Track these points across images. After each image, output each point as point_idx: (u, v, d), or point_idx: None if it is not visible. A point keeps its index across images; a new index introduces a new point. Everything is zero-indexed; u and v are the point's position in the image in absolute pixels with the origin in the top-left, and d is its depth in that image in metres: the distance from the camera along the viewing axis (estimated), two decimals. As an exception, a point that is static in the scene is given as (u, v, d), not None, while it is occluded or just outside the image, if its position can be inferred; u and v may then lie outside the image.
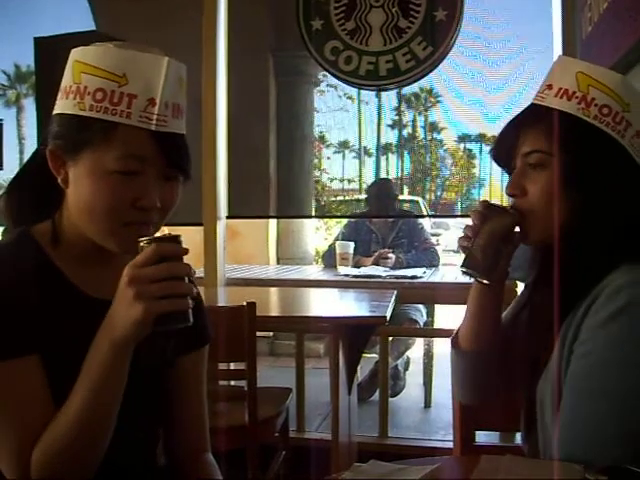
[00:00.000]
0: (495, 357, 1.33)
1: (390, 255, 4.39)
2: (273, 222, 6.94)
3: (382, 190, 4.72)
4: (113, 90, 1.05)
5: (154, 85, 1.06)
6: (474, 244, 1.24)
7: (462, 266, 1.26)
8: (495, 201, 1.27)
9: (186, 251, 1.01)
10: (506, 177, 1.29)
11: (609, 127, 1.17)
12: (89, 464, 1.04)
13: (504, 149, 1.28)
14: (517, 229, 1.24)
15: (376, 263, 4.38)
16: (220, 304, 3.11)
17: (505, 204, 1.28)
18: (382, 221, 4.72)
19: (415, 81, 3.53)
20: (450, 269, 4.68)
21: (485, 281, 1.27)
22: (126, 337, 1.00)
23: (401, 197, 9.27)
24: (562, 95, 1.20)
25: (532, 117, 1.24)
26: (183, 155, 1.14)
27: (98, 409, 1.03)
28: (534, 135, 1.21)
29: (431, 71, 3.47)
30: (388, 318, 2.55)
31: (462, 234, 1.29)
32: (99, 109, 1.05)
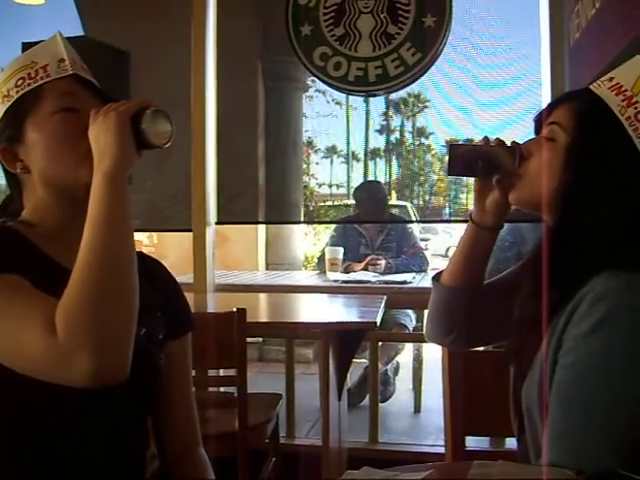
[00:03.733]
0: (471, 298, 1.40)
1: (380, 261, 4.40)
2: (262, 228, 6.93)
3: (371, 193, 4.72)
4: (29, 72, 1.18)
5: (58, 51, 1.20)
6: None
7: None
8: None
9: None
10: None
11: (636, 132, 1.17)
12: (116, 318, 0.98)
13: (540, 117, 1.29)
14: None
15: (365, 269, 4.39)
16: (210, 310, 3.11)
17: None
18: (371, 225, 4.72)
19: (404, 87, 3.54)
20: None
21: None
22: (115, 160, 1.04)
23: (390, 202, 9.29)
24: (614, 88, 1.20)
25: (574, 95, 1.27)
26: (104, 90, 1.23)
27: (107, 250, 1.00)
28: (564, 109, 1.23)
29: (420, 77, 3.48)
30: (378, 323, 2.55)
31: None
32: (23, 87, 1.17)
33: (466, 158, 1.31)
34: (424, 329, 1.55)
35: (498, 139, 1.32)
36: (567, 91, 1.33)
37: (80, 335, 0.93)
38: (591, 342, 1.03)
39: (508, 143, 1.31)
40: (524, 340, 1.21)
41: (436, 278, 1.48)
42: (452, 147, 1.32)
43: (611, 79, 1.22)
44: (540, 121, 1.29)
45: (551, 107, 1.27)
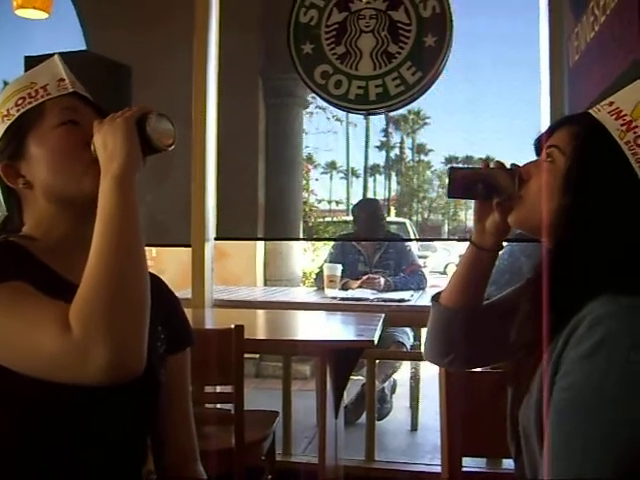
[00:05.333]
0: (470, 319, 1.40)
1: (377, 279, 4.40)
2: (261, 244, 6.94)
3: (369, 210, 4.74)
4: (29, 92, 1.21)
5: (57, 72, 1.24)
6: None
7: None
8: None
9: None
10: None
11: (634, 157, 1.16)
12: (130, 313, 0.99)
13: (541, 140, 1.29)
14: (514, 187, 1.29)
15: (364, 286, 4.38)
16: (207, 326, 3.10)
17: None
18: (369, 242, 4.73)
19: (404, 106, 3.55)
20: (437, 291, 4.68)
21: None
22: (123, 163, 1.06)
23: (388, 219, 9.31)
24: (614, 113, 1.20)
25: (573, 119, 1.27)
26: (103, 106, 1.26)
27: (118, 248, 1.02)
28: (562, 133, 1.24)
29: (420, 96, 3.49)
30: (375, 341, 2.55)
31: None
32: (24, 106, 1.20)
33: (466, 181, 1.31)
34: (422, 349, 1.54)
35: (498, 162, 1.32)
36: (567, 115, 1.33)
37: (96, 330, 0.94)
38: (589, 364, 1.02)
39: (508, 165, 1.31)
40: (522, 362, 1.21)
41: (435, 298, 1.49)
42: (452, 170, 1.33)
43: (611, 103, 1.21)
44: (540, 144, 1.29)
45: (551, 130, 1.27)
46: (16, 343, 0.99)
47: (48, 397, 1.06)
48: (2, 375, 1.02)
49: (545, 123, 3.33)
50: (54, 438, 1.10)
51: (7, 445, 1.10)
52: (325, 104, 3.79)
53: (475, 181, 1.31)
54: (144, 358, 1.00)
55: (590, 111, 1.23)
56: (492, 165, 1.33)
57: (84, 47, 4.93)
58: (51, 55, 1.30)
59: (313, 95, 3.96)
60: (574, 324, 1.07)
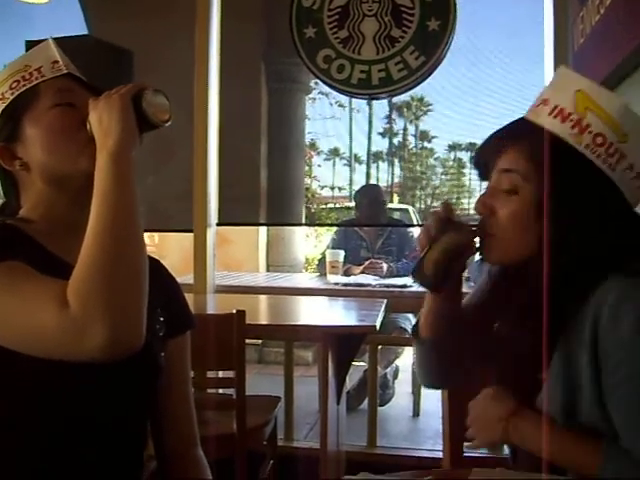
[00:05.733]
0: (452, 344, 1.35)
1: (378, 265, 4.39)
2: (263, 229, 6.93)
3: (370, 196, 4.72)
4: (23, 75, 1.20)
5: (51, 54, 1.24)
6: (427, 255, 1.18)
7: (412, 274, 1.22)
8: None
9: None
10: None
11: (600, 159, 1.11)
12: (128, 289, 0.99)
13: (485, 159, 1.23)
14: (477, 242, 1.21)
15: (365, 272, 4.38)
16: (209, 311, 3.10)
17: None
18: (371, 227, 4.72)
19: (407, 90, 3.54)
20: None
21: (435, 292, 1.27)
22: (119, 139, 1.06)
23: (391, 205, 9.29)
24: (557, 114, 1.12)
25: (519, 132, 1.18)
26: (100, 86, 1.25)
27: (115, 223, 1.02)
28: (516, 152, 1.15)
29: (423, 80, 3.48)
30: (378, 327, 2.55)
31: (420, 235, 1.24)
32: (18, 88, 1.20)
33: (439, 268, 1.19)
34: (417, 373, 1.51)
35: (447, 219, 1.21)
36: (505, 127, 1.21)
37: (93, 306, 0.94)
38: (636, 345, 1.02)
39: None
40: (520, 369, 1.19)
41: (414, 330, 1.42)
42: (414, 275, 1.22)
43: (545, 102, 1.14)
44: (483, 163, 1.23)
45: (495, 149, 1.20)
46: (14, 321, 0.99)
47: (47, 377, 1.06)
48: (0, 355, 1.01)
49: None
50: (53, 419, 1.10)
51: (6, 427, 1.09)
52: (328, 89, 3.78)
53: (447, 270, 1.20)
54: (142, 335, 1.00)
55: (528, 117, 1.17)
56: (431, 223, 1.22)
57: (86, 32, 4.91)
58: (55, 40, 1.29)
59: (316, 81, 3.94)
60: (595, 309, 1.06)
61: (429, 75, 3.47)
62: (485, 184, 1.25)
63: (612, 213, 1.12)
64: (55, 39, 1.29)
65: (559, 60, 3.20)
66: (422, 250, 1.19)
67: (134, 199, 1.05)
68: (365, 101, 4.59)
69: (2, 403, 1.09)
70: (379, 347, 3.83)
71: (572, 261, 1.11)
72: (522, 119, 1.19)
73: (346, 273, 4.37)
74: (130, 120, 1.08)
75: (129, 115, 1.08)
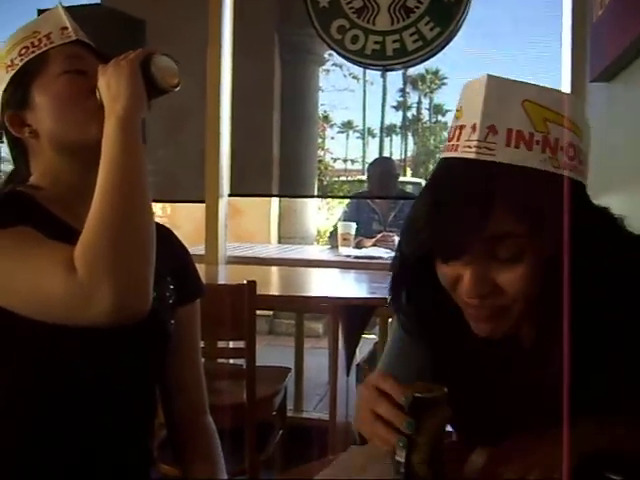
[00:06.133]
0: None
1: (391, 238, 4.37)
2: (275, 201, 6.92)
3: (383, 169, 4.70)
4: (32, 41, 1.19)
5: (60, 21, 1.23)
6: (412, 457, 0.88)
7: None
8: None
9: None
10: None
11: (582, 175, 0.94)
12: (135, 252, 1.00)
13: (457, 241, 0.92)
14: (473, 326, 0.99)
15: (376, 245, 4.37)
16: (221, 282, 3.11)
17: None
18: (383, 200, 4.70)
19: (422, 62, 3.50)
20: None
21: None
22: (127, 104, 1.06)
23: (404, 179, 9.26)
24: (517, 142, 0.89)
25: (485, 185, 0.89)
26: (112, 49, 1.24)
27: (122, 187, 1.02)
28: (499, 213, 0.89)
29: (438, 52, 3.44)
30: (389, 300, 2.54)
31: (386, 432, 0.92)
32: (27, 55, 1.19)
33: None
34: None
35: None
36: (462, 194, 0.91)
37: (100, 270, 0.95)
38: None
39: None
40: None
41: None
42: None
43: (493, 129, 0.90)
44: (455, 246, 0.93)
45: (471, 223, 0.89)
46: (22, 286, 0.99)
47: (56, 342, 1.06)
48: (10, 320, 1.02)
49: (566, 81, 3.27)
50: (62, 385, 1.11)
51: (14, 393, 1.10)
52: (342, 61, 3.75)
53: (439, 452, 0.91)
54: (149, 300, 1.01)
55: (479, 158, 0.90)
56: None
57: (98, 1, 4.88)
58: (67, 8, 1.28)
59: (330, 52, 3.91)
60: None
61: (444, 46, 3.43)
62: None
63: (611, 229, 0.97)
64: (67, 7, 1.28)
65: (578, 31, 3.16)
66: (394, 451, 0.90)
67: (142, 165, 1.05)
68: (379, 73, 4.57)
69: (9, 369, 1.10)
70: (389, 320, 3.83)
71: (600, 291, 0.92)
72: (476, 165, 0.90)
73: (358, 246, 4.36)
74: (138, 85, 1.08)
75: (137, 80, 1.08)
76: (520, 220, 0.89)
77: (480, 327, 0.98)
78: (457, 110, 0.98)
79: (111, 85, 1.08)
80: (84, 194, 1.10)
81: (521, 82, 0.94)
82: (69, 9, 1.28)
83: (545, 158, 0.89)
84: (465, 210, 0.89)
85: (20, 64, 1.19)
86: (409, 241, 1.01)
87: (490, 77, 0.92)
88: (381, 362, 1.27)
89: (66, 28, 1.22)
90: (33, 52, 1.19)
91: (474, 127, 0.92)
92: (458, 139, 0.94)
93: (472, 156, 0.91)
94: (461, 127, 0.95)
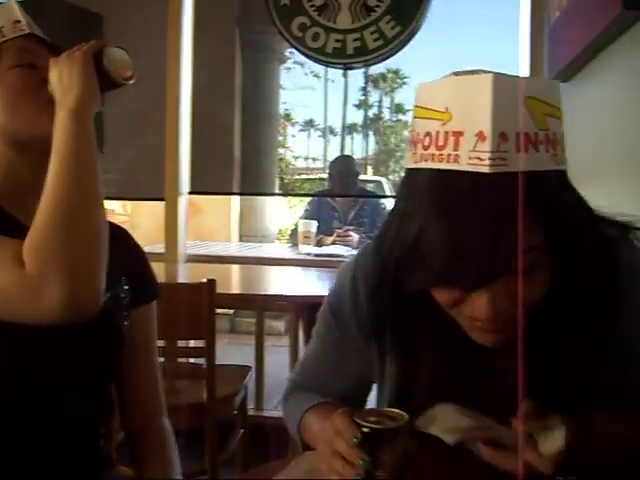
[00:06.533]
0: None
1: (351, 234, 4.38)
2: (236, 199, 6.90)
3: (343, 167, 4.72)
4: None
5: (13, 14, 1.19)
6: None
7: None
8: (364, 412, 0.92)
9: None
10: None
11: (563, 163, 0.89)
12: (86, 247, 0.97)
13: (501, 260, 0.82)
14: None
15: (338, 241, 4.37)
16: (180, 281, 3.08)
17: None
18: (344, 199, 4.72)
19: (382, 60, 3.51)
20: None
21: None
22: (79, 96, 1.04)
23: (364, 177, 9.30)
24: (526, 146, 0.81)
25: (510, 200, 0.71)
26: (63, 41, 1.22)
27: (73, 180, 1.00)
28: (530, 226, 0.81)
29: (399, 51, 3.46)
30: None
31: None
32: None
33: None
34: None
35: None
36: (501, 203, 0.77)
37: (49, 264, 0.93)
38: None
39: None
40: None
41: None
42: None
43: (504, 137, 0.80)
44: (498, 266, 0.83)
45: (510, 239, 0.74)
46: None
47: (7, 340, 1.04)
48: None
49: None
50: (11, 384, 1.09)
51: None
52: (303, 59, 3.74)
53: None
54: (100, 296, 0.99)
55: (491, 170, 0.80)
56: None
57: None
58: (25, 1, 1.26)
59: (291, 50, 3.90)
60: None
61: (405, 45, 3.45)
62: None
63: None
64: (24, 1, 1.26)
65: (535, 32, 3.20)
66: None
67: (93, 158, 1.03)
68: (341, 72, 4.59)
69: None
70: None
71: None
72: (495, 182, 0.80)
73: (318, 244, 4.36)
74: (91, 77, 1.06)
75: (90, 72, 1.06)
76: (545, 229, 0.84)
77: (486, 338, 0.93)
78: (435, 111, 0.86)
79: (63, 77, 1.06)
80: (37, 189, 1.07)
81: (522, 77, 0.89)
82: (25, 3, 1.26)
83: (550, 157, 0.85)
84: (498, 233, 0.80)
85: None
86: (419, 275, 0.89)
87: (496, 76, 0.81)
88: (314, 367, 1.26)
89: (19, 21, 1.19)
90: None
91: (481, 135, 0.81)
92: (456, 148, 0.83)
93: (486, 170, 0.80)
94: (457, 134, 0.83)
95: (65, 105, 1.04)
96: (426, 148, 0.87)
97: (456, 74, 0.90)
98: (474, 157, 0.81)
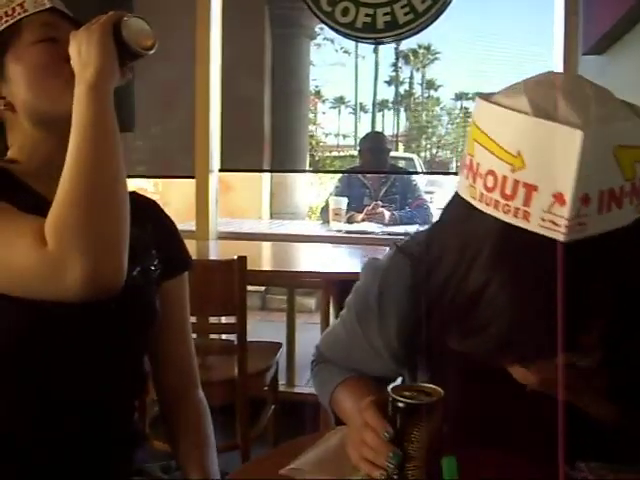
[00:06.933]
0: None
1: (380, 209, 4.36)
2: (267, 177, 6.90)
3: (374, 144, 4.69)
4: (5, 11, 1.16)
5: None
6: (407, 469, 0.88)
7: None
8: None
9: None
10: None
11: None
12: (106, 222, 0.97)
13: (545, 348, 0.73)
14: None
15: (368, 218, 4.36)
16: (212, 258, 3.10)
17: None
18: (375, 175, 4.70)
19: (413, 34, 3.47)
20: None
21: None
22: (98, 70, 1.02)
23: (396, 154, 9.24)
24: (609, 205, 0.70)
25: (591, 269, 0.72)
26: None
27: (93, 156, 0.99)
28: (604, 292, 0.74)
29: (429, 25, 3.41)
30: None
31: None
32: (1, 25, 1.15)
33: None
34: None
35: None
36: (580, 273, 0.71)
37: (70, 240, 0.93)
38: None
39: None
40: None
41: None
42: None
43: (586, 199, 0.69)
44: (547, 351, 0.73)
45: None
46: None
47: (37, 318, 1.05)
48: None
49: (558, 54, 3.25)
50: (46, 363, 1.10)
51: None
52: (333, 34, 3.71)
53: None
54: (123, 272, 0.98)
55: (575, 237, 0.70)
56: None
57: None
58: None
59: (321, 26, 3.87)
60: None
61: (436, 19, 3.40)
62: None
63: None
64: None
65: (570, 5, 3.14)
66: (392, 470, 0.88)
67: (113, 132, 1.02)
68: (371, 48, 4.53)
69: None
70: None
71: None
72: (573, 249, 0.70)
73: (349, 220, 4.36)
74: (109, 50, 1.04)
75: (108, 44, 1.04)
76: (619, 290, 0.74)
77: (528, 379, 0.88)
78: (504, 151, 0.74)
79: (82, 51, 1.05)
80: (61, 166, 1.06)
81: (613, 121, 0.73)
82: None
83: (633, 208, 0.73)
84: (571, 304, 0.70)
85: None
86: (473, 340, 0.80)
87: (586, 132, 0.68)
88: (340, 350, 1.25)
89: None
90: (7, 22, 1.16)
91: (560, 199, 0.70)
92: (527, 203, 0.72)
93: (561, 238, 0.70)
94: (530, 187, 0.72)
95: (83, 79, 1.03)
96: (489, 190, 0.75)
97: (525, 83, 0.79)
98: (548, 220, 0.71)
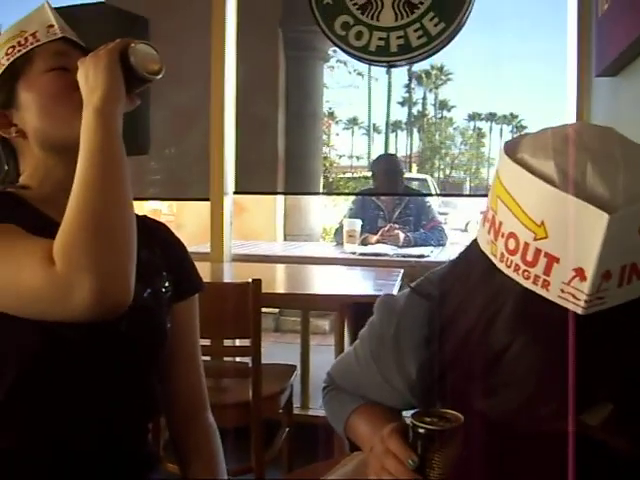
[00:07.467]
0: None
1: (396, 231, 4.36)
2: (281, 199, 6.92)
3: (388, 165, 4.70)
4: (19, 41, 1.18)
5: (47, 19, 1.21)
6: None
7: None
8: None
9: None
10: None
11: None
12: (114, 244, 0.98)
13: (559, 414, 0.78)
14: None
15: (382, 240, 4.36)
16: (226, 280, 3.10)
17: None
18: (389, 197, 4.70)
19: (426, 58, 3.49)
20: (457, 248, 4.64)
21: None
22: (104, 94, 1.04)
23: (409, 175, 9.27)
24: (630, 278, 0.71)
25: (595, 338, 0.74)
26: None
27: (100, 179, 1.00)
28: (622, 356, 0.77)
29: (442, 48, 3.43)
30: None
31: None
32: (14, 54, 1.17)
33: None
34: None
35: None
36: (596, 345, 0.75)
37: (78, 261, 0.93)
38: None
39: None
40: None
41: None
42: None
43: (608, 275, 0.71)
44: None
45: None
46: (4, 282, 0.98)
47: (48, 340, 1.05)
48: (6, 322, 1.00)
49: (572, 76, 3.26)
50: (57, 385, 1.10)
51: (6, 399, 1.08)
52: (346, 57, 3.74)
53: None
54: (130, 292, 0.98)
55: (593, 310, 0.72)
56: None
57: (102, -1, 4.88)
58: (72, 7, 1.27)
59: (334, 48, 3.90)
60: None
61: (448, 42, 3.42)
62: None
63: None
64: (69, 7, 1.27)
65: (582, 25, 3.15)
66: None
67: (120, 155, 1.03)
68: (384, 70, 4.55)
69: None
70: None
71: None
72: (592, 321, 0.73)
73: (363, 242, 4.36)
74: (116, 75, 1.06)
75: (114, 70, 1.06)
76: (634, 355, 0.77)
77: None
78: (529, 218, 0.74)
79: (89, 76, 1.06)
80: (65, 197, 1.06)
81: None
82: (71, 8, 1.27)
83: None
84: (590, 372, 0.74)
85: (7, 64, 1.18)
86: (495, 399, 0.83)
87: (612, 217, 0.68)
88: (353, 380, 1.25)
89: (52, 26, 1.21)
90: (19, 51, 1.18)
91: (581, 274, 0.71)
92: (547, 273, 0.73)
93: (579, 311, 0.72)
94: (552, 258, 0.73)
95: (90, 104, 1.05)
96: (510, 253, 0.76)
97: (554, 139, 0.78)
98: (567, 292, 0.72)
